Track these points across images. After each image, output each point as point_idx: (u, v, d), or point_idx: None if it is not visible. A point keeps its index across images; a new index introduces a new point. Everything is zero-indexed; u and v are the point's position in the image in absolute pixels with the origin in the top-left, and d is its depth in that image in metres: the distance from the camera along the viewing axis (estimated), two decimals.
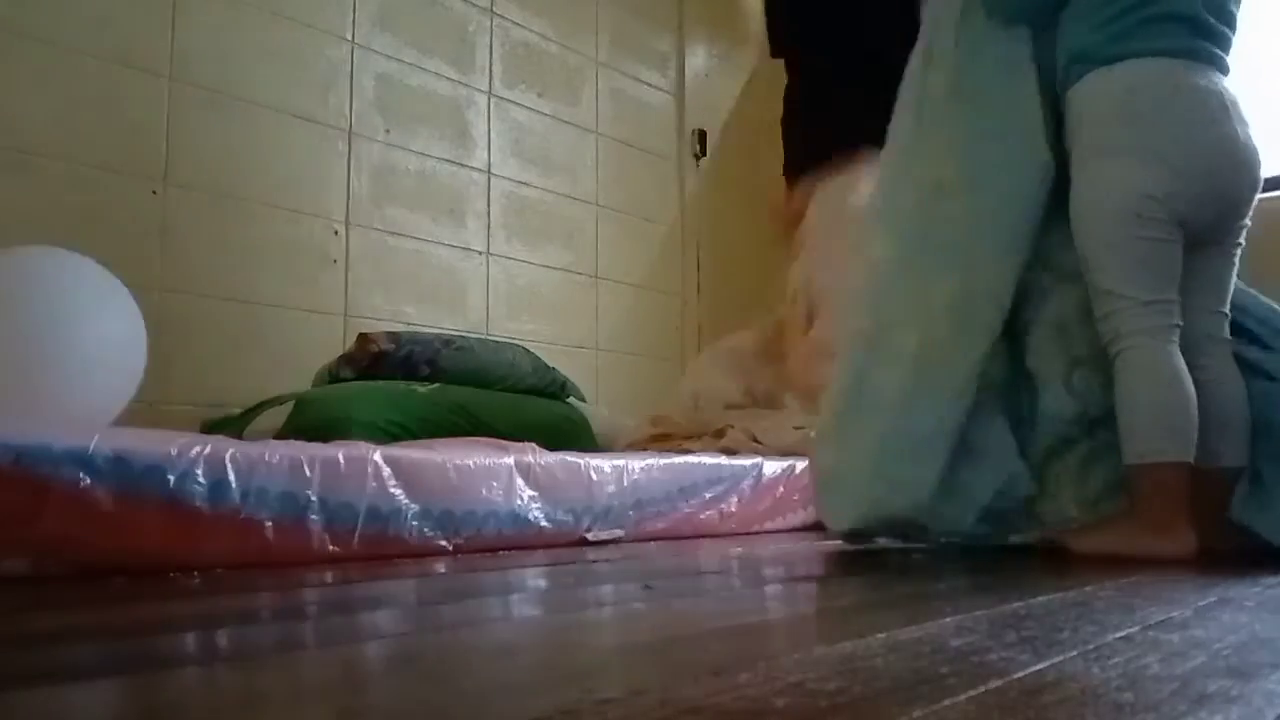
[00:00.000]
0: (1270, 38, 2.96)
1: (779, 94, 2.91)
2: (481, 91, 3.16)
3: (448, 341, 2.62)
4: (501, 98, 3.21)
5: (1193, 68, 1.63)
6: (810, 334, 2.57)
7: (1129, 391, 1.59)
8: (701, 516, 2.04)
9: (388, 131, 2.89)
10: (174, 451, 1.28)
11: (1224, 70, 1.67)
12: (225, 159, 2.52)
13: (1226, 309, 1.73)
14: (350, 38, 2.81)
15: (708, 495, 2.06)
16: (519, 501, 1.66)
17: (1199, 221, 1.63)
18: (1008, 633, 0.82)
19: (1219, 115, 1.62)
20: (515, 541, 1.64)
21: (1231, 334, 1.73)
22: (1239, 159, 1.63)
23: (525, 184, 3.27)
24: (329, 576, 1.29)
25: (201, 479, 1.29)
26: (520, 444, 1.81)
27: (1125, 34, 1.64)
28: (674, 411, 2.83)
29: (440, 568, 1.41)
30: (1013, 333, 1.73)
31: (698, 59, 3.94)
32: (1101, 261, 1.64)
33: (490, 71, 3.19)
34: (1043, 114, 1.73)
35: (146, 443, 1.29)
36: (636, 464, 1.91)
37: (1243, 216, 1.69)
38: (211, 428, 2.14)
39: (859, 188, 2.37)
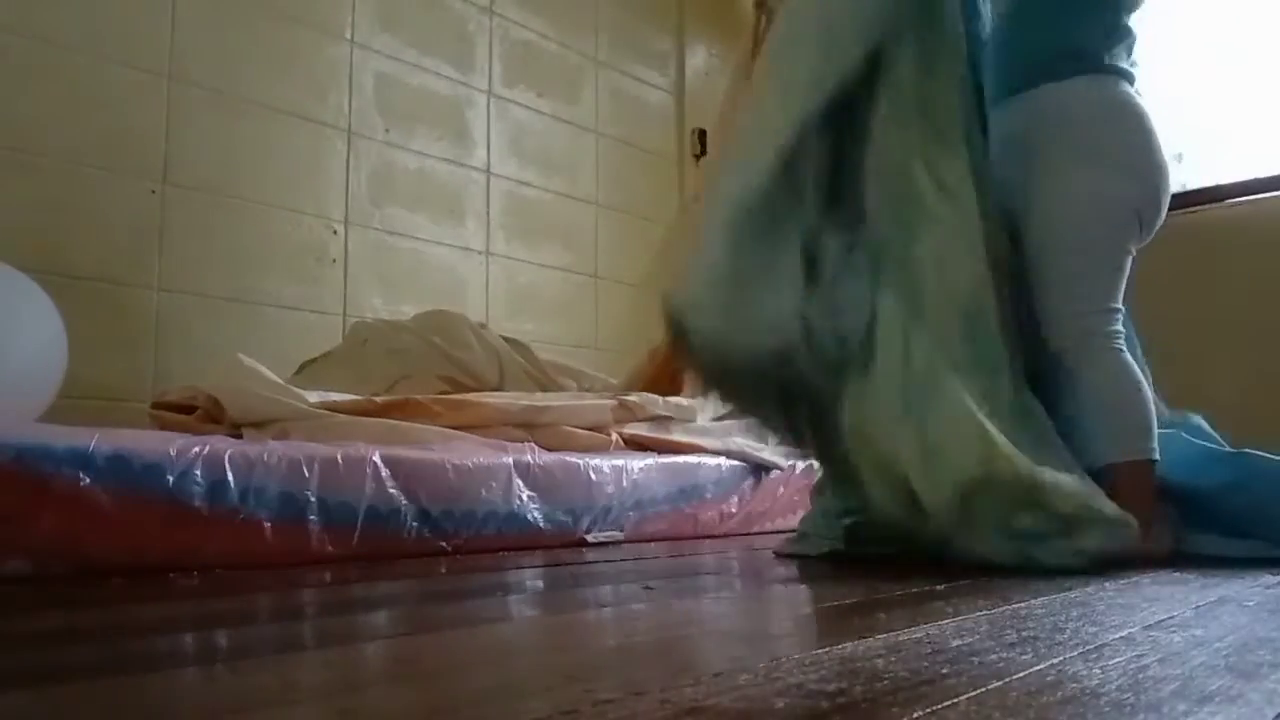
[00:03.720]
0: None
1: None
2: (481, 91, 3.16)
3: None
4: (501, 97, 3.21)
5: (1136, 93, 1.73)
6: None
7: (1108, 392, 1.63)
8: (701, 517, 2.04)
9: (387, 131, 2.88)
10: (173, 451, 1.28)
11: None
12: (225, 159, 2.52)
13: None
14: (350, 37, 2.81)
15: (708, 496, 2.06)
16: (518, 502, 1.66)
17: (1150, 235, 1.71)
18: (1008, 633, 0.82)
19: (1159, 141, 1.71)
20: (514, 542, 1.64)
21: None
22: (1170, 181, 1.73)
23: (525, 184, 3.26)
24: (328, 576, 1.29)
25: (201, 479, 1.29)
26: (519, 444, 1.81)
27: (1118, 49, 1.71)
28: None
29: (439, 568, 1.41)
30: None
31: (697, 58, 3.93)
32: (1076, 264, 1.65)
33: (490, 71, 3.19)
34: None
35: (146, 443, 1.29)
36: (636, 464, 1.91)
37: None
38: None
39: None
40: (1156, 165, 1.69)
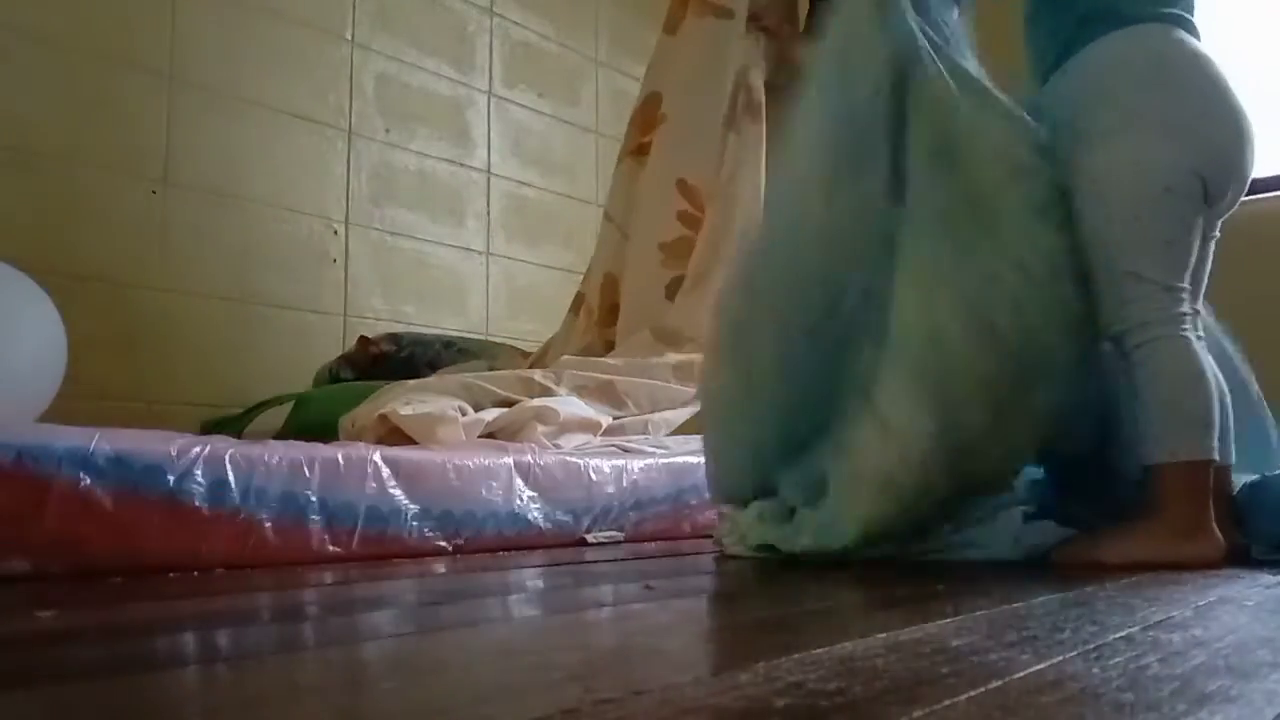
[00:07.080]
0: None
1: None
2: (481, 91, 3.16)
3: (449, 344, 2.62)
4: (501, 97, 3.21)
5: (1190, 36, 1.55)
6: None
7: (1161, 384, 1.47)
8: (702, 517, 2.04)
9: (387, 131, 2.89)
10: (174, 451, 1.28)
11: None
12: (225, 159, 2.52)
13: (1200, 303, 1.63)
14: (350, 37, 2.81)
15: (708, 495, 2.06)
16: (518, 502, 1.66)
17: (1221, 202, 1.54)
18: (1008, 633, 0.82)
19: (1228, 87, 1.53)
20: (515, 542, 1.64)
21: None
22: (1249, 134, 1.53)
23: (525, 184, 3.27)
24: (328, 577, 1.29)
25: (201, 479, 1.29)
26: (519, 444, 1.81)
27: None
28: None
29: (440, 568, 1.41)
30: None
31: None
32: (1125, 241, 1.49)
33: (490, 71, 3.19)
34: None
35: (146, 443, 1.29)
36: (636, 464, 1.91)
37: (1240, 196, 1.58)
38: (211, 428, 2.14)
39: None
40: (1213, 117, 1.50)
